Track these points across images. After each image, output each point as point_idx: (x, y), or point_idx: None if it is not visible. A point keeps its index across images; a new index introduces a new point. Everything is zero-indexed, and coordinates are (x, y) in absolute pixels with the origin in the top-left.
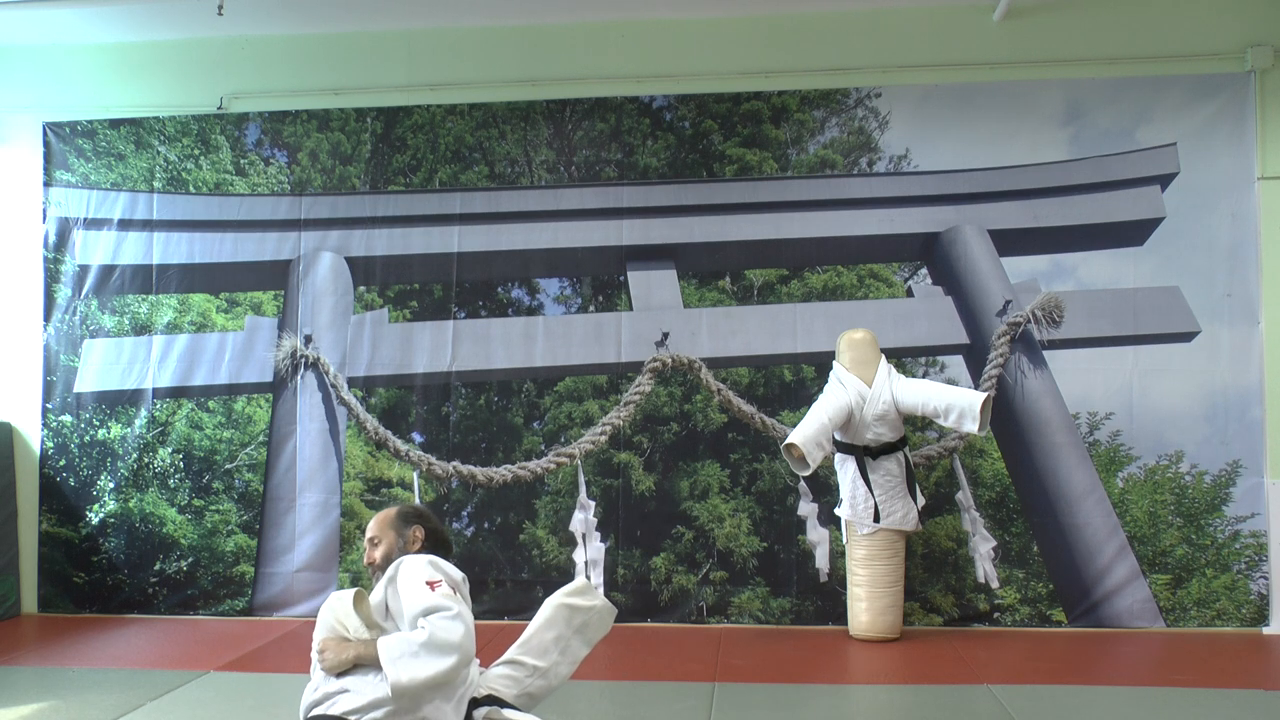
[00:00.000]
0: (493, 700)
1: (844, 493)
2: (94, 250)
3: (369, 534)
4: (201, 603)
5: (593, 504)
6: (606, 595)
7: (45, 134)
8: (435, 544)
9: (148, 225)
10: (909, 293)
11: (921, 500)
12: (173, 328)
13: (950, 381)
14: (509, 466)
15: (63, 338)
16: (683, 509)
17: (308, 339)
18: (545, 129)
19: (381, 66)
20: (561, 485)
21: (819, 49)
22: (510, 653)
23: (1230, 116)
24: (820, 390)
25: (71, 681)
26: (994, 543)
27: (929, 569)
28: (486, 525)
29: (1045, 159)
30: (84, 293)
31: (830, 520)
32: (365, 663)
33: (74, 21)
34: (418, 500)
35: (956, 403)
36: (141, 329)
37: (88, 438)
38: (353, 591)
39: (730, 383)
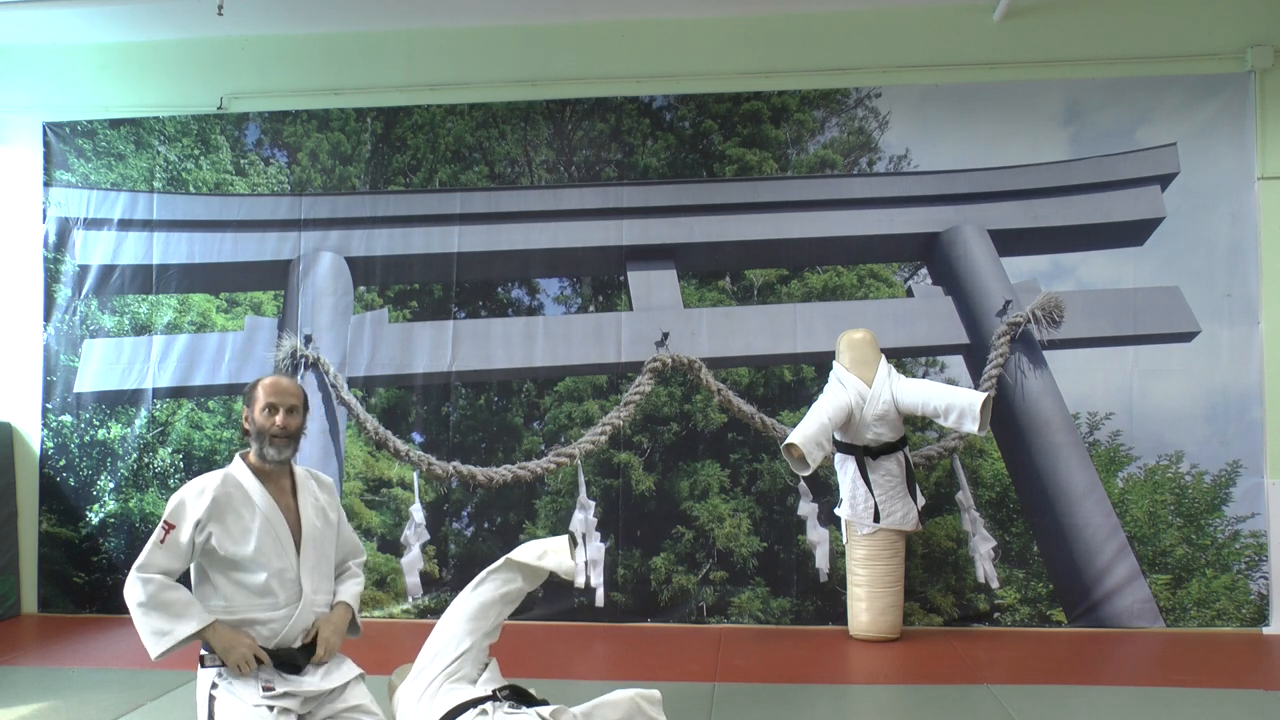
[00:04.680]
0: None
1: (844, 493)
2: (94, 250)
3: (296, 402)
4: None
5: (593, 504)
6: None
7: (45, 134)
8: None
9: (148, 225)
10: (909, 293)
11: (921, 500)
12: (173, 328)
13: (950, 381)
14: (509, 466)
15: (63, 338)
16: (683, 509)
17: (308, 339)
18: (545, 129)
19: (381, 66)
20: (561, 485)
21: (819, 49)
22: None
23: (1230, 116)
24: (820, 390)
25: (71, 681)
26: (994, 543)
27: (929, 569)
28: (486, 525)
29: (1045, 159)
30: (84, 293)
31: (830, 520)
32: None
33: (74, 21)
34: (418, 501)
35: (956, 403)
36: (141, 329)
37: (88, 438)
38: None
39: (730, 383)
